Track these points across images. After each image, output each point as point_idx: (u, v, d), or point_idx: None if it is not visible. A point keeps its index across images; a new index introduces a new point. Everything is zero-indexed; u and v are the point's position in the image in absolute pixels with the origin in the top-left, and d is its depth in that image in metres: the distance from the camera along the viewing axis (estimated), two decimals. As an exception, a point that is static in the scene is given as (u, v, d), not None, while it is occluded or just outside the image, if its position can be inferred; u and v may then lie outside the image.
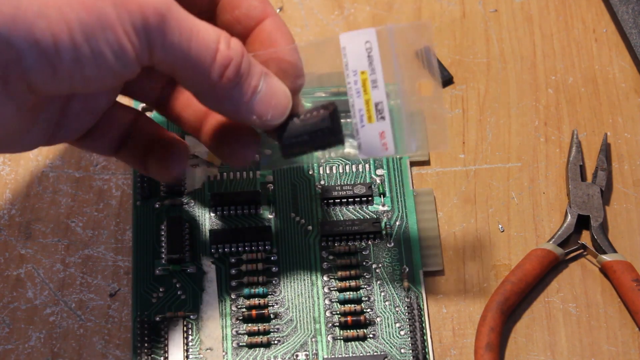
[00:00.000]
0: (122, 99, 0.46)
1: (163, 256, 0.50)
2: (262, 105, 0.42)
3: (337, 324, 0.49)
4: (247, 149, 0.45)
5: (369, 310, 0.49)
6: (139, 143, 0.46)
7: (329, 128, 0.43)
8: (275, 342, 0.48)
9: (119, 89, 0.44)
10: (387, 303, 0.49)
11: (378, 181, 0.53)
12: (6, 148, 0.43)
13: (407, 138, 0.42)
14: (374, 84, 0.42)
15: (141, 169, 0.46)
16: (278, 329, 0.49)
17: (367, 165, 0.53)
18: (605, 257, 0.50)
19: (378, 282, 0.50)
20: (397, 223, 0.51)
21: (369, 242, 0.51)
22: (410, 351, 0.48)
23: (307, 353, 0.48)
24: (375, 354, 0.48)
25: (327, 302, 0.49)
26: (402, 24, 0.42)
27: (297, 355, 0.48)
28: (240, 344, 0.48)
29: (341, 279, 0.50)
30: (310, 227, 0.51)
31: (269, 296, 0.50)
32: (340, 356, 0.48)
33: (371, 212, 0.52)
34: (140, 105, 0.53)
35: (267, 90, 0.42)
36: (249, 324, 0.49)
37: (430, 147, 0.44)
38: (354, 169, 0.53)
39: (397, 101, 0.42)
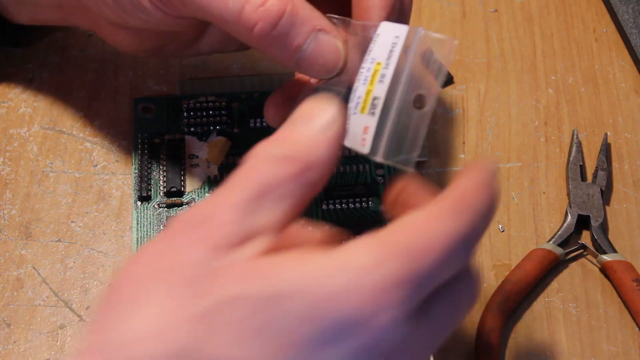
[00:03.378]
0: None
1: (163, 256, 0.50)
2: (307, 62, 0.43)
3: (337, 324, 0.49)
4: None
5: (369, 310, 0.49)
6: None
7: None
8: (275, 342, 0.48)
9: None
10: (387, 303, 0.49)
11: (378, 181, 0.53)
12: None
13: (385, 144, 0.41)
14: (382, 78, 0.41)
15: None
16: (278, 329, 0.49)
17: (367, 165, 0.53)
18: (605, 257, 0.50)
19: (378, 282, 0.50)
20: (397, 223, 0.51)
21: (369, 242, 0.51)
22: (410, 351, 0.48)
23: (307, 353, 0.48)
24: (375, 354, 0.48)
25: (327, 302, 0.49)
26: (433, 33, 0.41)
27: (297, 355, 0.48)
28: (240, 344, 0.48)
29: (341, 279, 0.50)
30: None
31: (269, 296, 0.49)
32: (340, 356, 0.48)
33: (371, 212, 0.52)
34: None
35: (315, 48, 0.42)
36: (249, 324, 0.49)
37: (396, 159, 0.42)
38: (354, 169, 0.53)
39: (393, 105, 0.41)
